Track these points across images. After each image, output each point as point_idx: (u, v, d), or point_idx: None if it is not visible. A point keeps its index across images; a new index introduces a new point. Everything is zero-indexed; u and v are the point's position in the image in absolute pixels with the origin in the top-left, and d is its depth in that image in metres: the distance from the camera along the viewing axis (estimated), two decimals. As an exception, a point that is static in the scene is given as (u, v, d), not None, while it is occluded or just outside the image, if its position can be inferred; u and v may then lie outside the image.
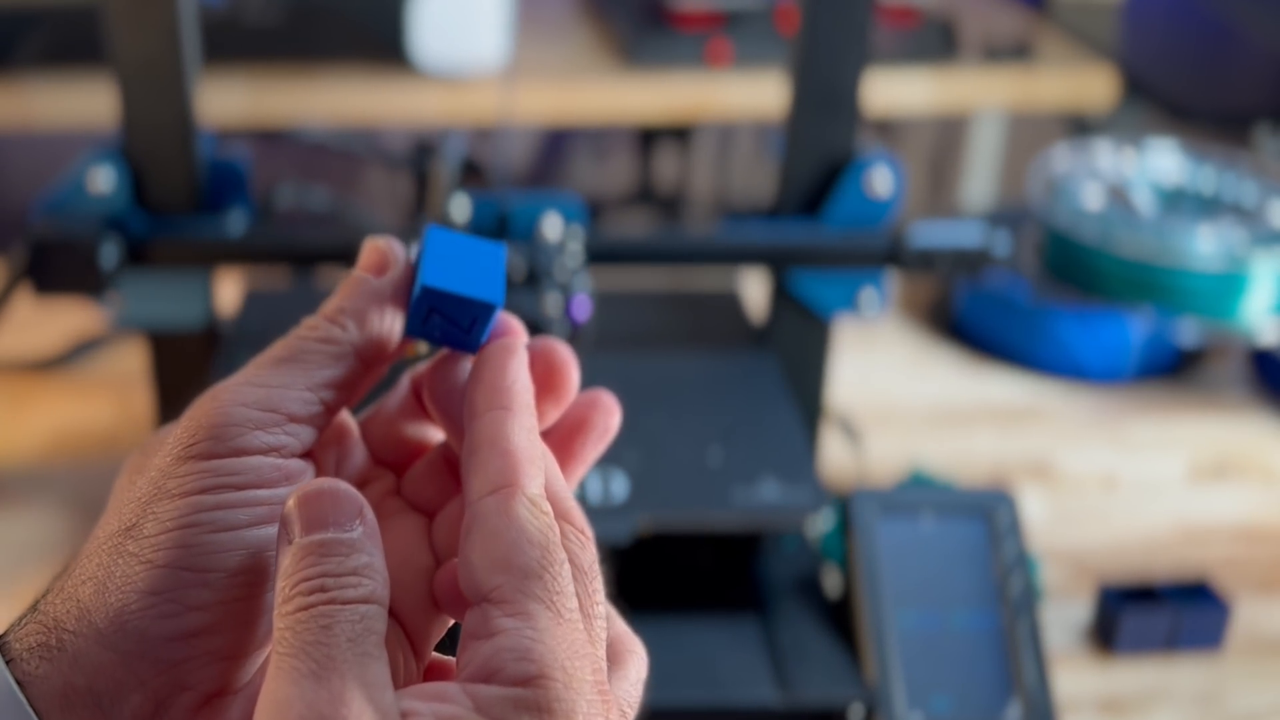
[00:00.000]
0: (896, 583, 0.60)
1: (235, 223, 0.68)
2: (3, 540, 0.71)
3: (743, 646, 0.60)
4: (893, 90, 1.51)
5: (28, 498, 0.75)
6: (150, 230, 0.66)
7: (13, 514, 0.73)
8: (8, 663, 0.31)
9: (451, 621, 0.36)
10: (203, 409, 0.32)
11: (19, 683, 0.31)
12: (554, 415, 0.37)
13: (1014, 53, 1.57)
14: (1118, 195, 1.00)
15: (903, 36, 1.51)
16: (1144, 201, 0.99)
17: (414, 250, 0.36)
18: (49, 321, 0.88)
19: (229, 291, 0.83)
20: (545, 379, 0.36)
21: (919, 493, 0.64)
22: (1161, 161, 1.03)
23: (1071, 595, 0.71)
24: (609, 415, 0.38)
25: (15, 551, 0.70)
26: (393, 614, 0.35)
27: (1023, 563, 0.61)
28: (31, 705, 0.30)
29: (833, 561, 0.65)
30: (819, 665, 0.59)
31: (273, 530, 0.32)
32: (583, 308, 0.62)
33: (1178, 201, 1.01)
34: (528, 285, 0.61)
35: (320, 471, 0.36)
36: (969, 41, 1.59)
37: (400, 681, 0.35)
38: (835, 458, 0.80)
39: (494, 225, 0.63)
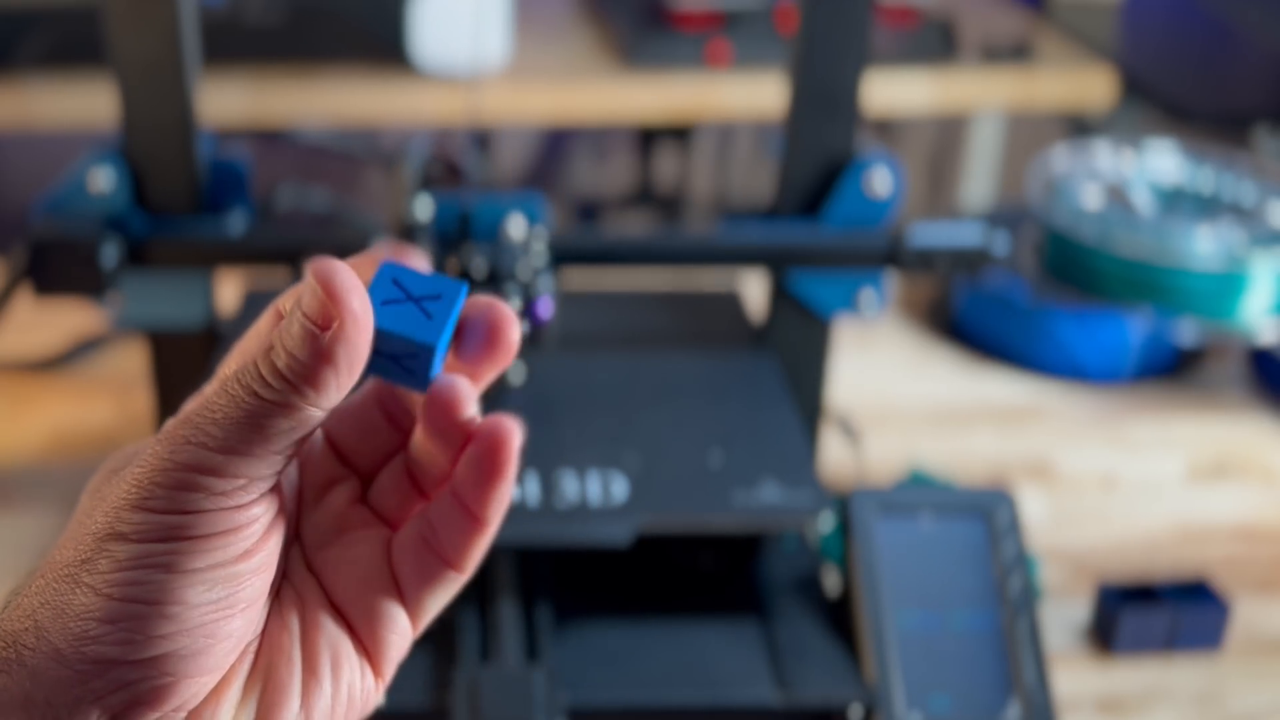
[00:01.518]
0: (896, 583, 0.60)
1: (235, 223, 0.68)
2: (3, 540, 0.71)
3: (742, 646, 0.60)
4: (892, 90, 1.51)
5: (28, 498, 0.75)
6: (150, 230, 0.66)
7: (13, 514, 0.73)
8: None
9: (412, 637, 0.37)
10: (157, 455, 0.32)
11: None
12: (492, 373, 0.36)
13: (1013, 53, 1.57)
14: (1117, 195, 1.00)
15: (902, 36, 1.51)
16: (1143, 202, 0.99)
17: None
18: (49, 321, 0.88)
19: (229, 291, 0.83)
20: (488, 336, 0.35)
21: (918, 493, 0.64)
22: (1161, 162, 1.03)
23: (1071, 595, 0.71)
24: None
25: (15, 551, 0.70)
26: (352, 629, 0.36)
27: (1022, 562, 0.61)
28: None
29: (832, 561, 0.65)
30: (818, 665, 0.59)
31: (236, 564, 0.32)
32: (546, 308, 0.62)
33: (1177, 202, 1.01)
34: (490, 285, 0.61)
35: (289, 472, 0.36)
36: (968, 42, 1.59)
37: (356, 694, 0.36)
38: (835, 458, 0.80)
39: (457, 226, 0.63)
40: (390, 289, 0.34)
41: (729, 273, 0.82)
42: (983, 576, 0.61)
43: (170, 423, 0.33)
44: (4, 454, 0.78)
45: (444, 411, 0.36)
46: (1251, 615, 0.70)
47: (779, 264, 0.69)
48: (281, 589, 0.36)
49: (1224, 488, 0.82)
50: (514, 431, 0.35)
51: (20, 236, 0.65)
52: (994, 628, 0.60)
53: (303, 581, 0.37)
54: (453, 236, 0.63)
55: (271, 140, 1.32)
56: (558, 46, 1.57)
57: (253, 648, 0.35)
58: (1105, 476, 0.82)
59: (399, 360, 0.34)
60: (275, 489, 0.34)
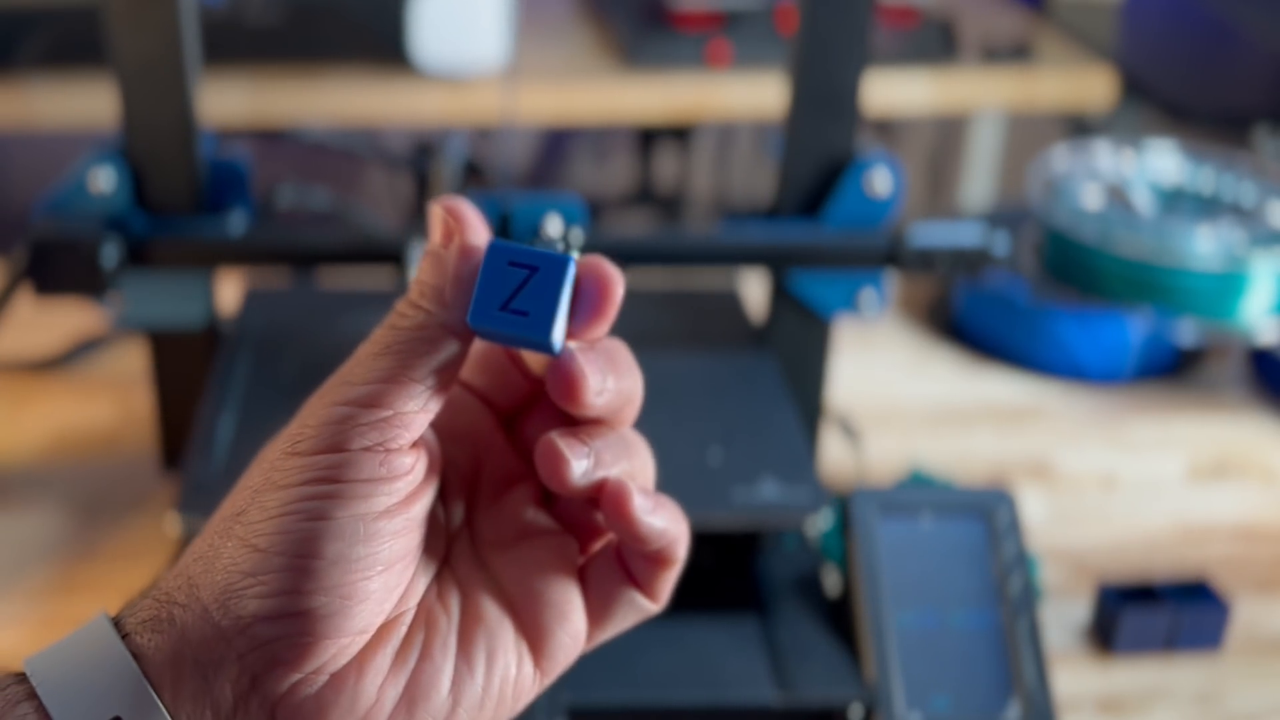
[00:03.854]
0: (896, 582, 0.60)
1: (236, 223, 0.68)
2: (3, 540, 0.71)
3: (741, 646, 0.60)
4: (892, 90, 1.51)
5: (28, 498, 0.75)
6: (151, 230, 0.66)
7: (13, 514, 0.73)
8: (123, 637, 0.33)
9: (585, 642, 0.37)
10: (309, 408, 0.34)
11: (134, 655, 0.32)
12: (601, 330, 0.36)
13: (1013, 53, 1.57)
14: (1117, 195, 1.00)
15: (903, 36, 1.51)
16: (1143, 202, 0.99)
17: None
18: (49, 321, 0.88)
19: (229, 291, 0.83)
20: (595, 297, 0.35)
21: (918, 492, 0.64)
22: (1161, 162, 1.03)
23: (1071, 595, 0.71)
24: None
25: (15, 551, 0.70)
26: (520, 621, 0.36)
27: (1022, 562, 0.61)
28: (146, 675, 0.32)
29: (832, 561, 0.65)
30: (818, 664, 0.59)
31: (380, 521, 0.33)
32: None
33: (1177, 202, 1.01)
34: None
35: (447, 464, 0.37)
36: (968, 42, 1.59)
37: (510, 687, 0.36)
38: (835, 457, 0.80)
39: (496, 226, 0.63)
40: (498, 275, 0.34)
41: (729, 273, 0.82)
42: (983, 576, 0.61)
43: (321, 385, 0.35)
44: (4, 454, 0.78)
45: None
46: (1251, 615, 0.70)
47: (779, 264, 0.69)
48: (443, 573, 0.36)
49: (1224, 488, 0.82)
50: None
51: (20, 236, 0.65)
52: (994, 628, 0.60)
53: (469, 574, 0.37)
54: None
55: (272, 140, 1.32)
56: (558, 46, 1.57)
57: (403, 621, 0.34)
58: (1105, 476, 0.82)
59: (518, 340, 0.34)
60: (426, 457, 0.34)
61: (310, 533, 0.32)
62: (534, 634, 0.36)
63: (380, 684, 0.33)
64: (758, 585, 0.64)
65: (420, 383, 0.33)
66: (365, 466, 0.33)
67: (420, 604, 0.35)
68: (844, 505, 0.63)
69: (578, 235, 0.62)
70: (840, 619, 0.62)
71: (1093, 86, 1.57)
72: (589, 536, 0.38)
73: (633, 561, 0.37)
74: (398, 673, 0.34)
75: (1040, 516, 0.78)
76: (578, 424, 0.37)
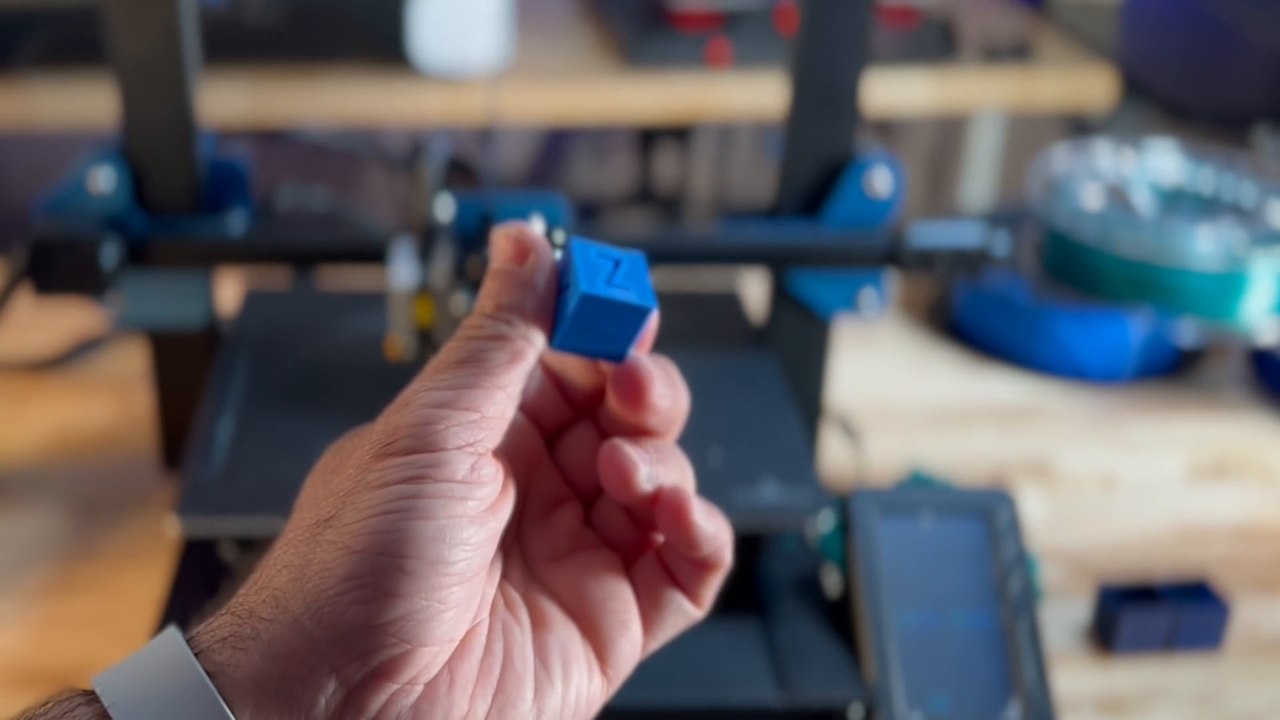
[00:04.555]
0: (896, 582, 0.60)
1: (235, 223, 0.68)
2: (3, 540, 0.71)
3: (742, 646, 0.60)
4: (892, 90, 1.51)
5: (28, 498, 0.75)
6: (150, 230, 0.66)
7: (13, 514, 0.73)
8: (197, 654, 0.32)
9: (643, 648, 0.38)
10: (397, 412, 0.34)
11: (209, 673, 0.31)
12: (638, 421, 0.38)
13: (1013, 53, 1.57)
14: (1117, 195, 1.00)
15: (903, 36, 1.51)
16: (1143, 202, 0.99)
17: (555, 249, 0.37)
18: (49, 321, 0.88)
19: (229, 291, 0.83)
20: (629, 396, 0.37)
21: (919, 492, 0.64)
22: (1161, 161, 1.03)
23: (1071, 595, 0.71)
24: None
25: (15, 551, 0.70)
26: (583, 631, 0.37)
27: (1022, 562, 0.61)
28: (222, 694, 0.31)
29: (832, 561, 0.65)
30: (818, 665, 0.59)
31: (470, 526, 0.33)
32: None
33: (1177, 202, 1.01)
34: None
35: (513, 489, 0.37)
36: (968, 42, 1.59)
37: (584, 697, 0.36)
38: (835, 458, 0.80)
39: (478, 226, 0.63)
40: (588, 261, 0.36)
41: (729, 273, 0.82)
42: (983, 576, 0.61)
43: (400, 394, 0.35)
44: (4, 454, 0.78)
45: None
46: (1251, 615, 0.70)
47: (779, 264, 0.69)
48: (505, 590, 0.37)
49: (1224, 488, 0.82)
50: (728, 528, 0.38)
51: (20, 236, 0.65)
52: (994, 628, 0.60)
53: (528, 589, 0.37)
54: (474, 237, 0.63)
55: (272, 140, 1.32)
56: (558, 46, 1.57)
57: (481, 630, 0.35)
58: (1105, 476, 0.82)
59: (609, 330, 0.36)
60: (504, 468, 0.35)
61: (409, 533, 0.32)
62: (599, 643, 0.37)
63: (471, 693, 0.33)
64: (758, 585, 0.64)
65: (503, 389, 0.34)
66: (459, 466, 0.33)
67: (494, 614, 0.36)
68: (844, 505, 0.63)
69: (561, 236, 0.61)
70: (840, 619, 0.62)
71: (1093, 86, 1.57)
72: (630, 551, 0.39)
73: (679, 567, 0.38)
74: (485, 682, 0.34)
75: (1040, 516, 0.78)
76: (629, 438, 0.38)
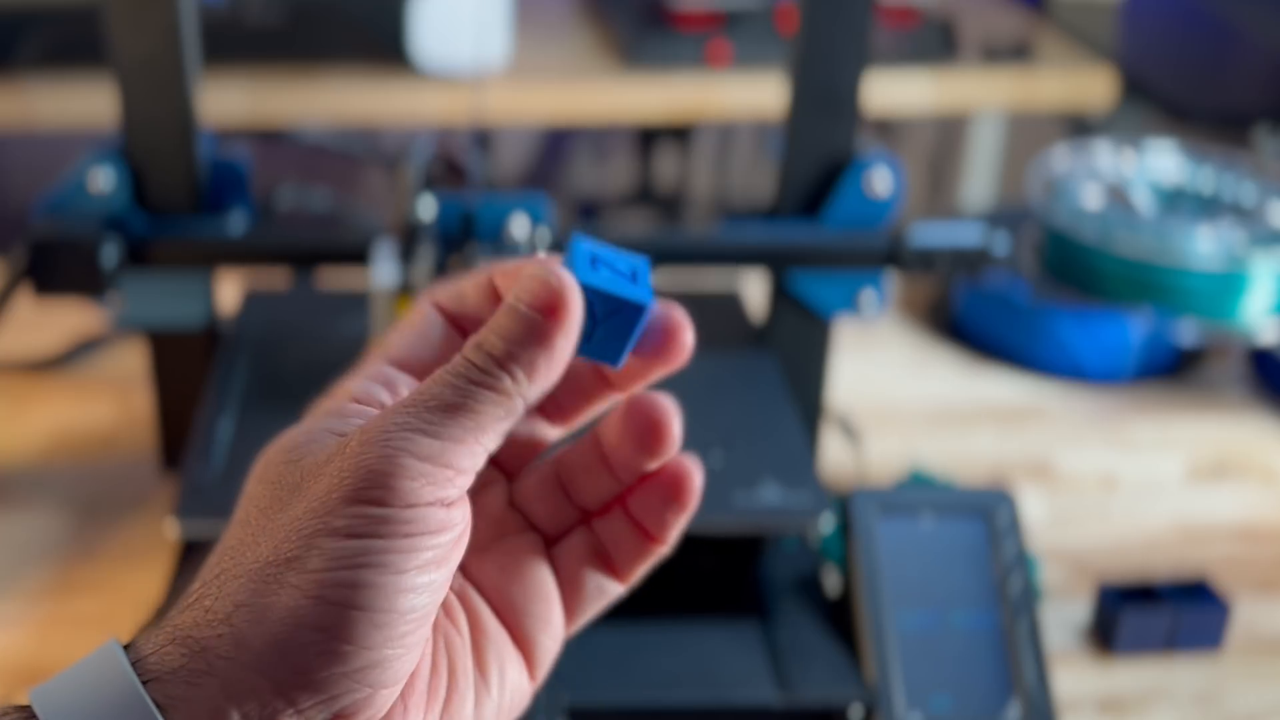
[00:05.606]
0: (896, 582, 0.60)
1: (235, 223, 0.68)
2: (3, 540, 0.71)
3: (742, 646, 0.60)
4: (893, 90, 1.51)
5: (28, 498, 0.75)
6: (150, 230, 0.66)
7: (13, 514, 0.73)
8: (146, 683, 0.31)
9: (563, 640, 0.38)
10: (374, 453, 0.32)
11: (160, 706, 0.31)
12: (660, 374, 0.37)
13: (1014, 53, 1.57)
14: (1117, 195, 1.00)
15: (903, 36, 1.51)
16: (1143, 202, 0.99)
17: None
18: (49, 321, 0.88)
19: (229, 291, 0.83)
20: (664, 338, 0.36)
21: (919, 492, 0.64)
22: (1161, 161, 1.03)
23: (1071, 595, 0.71)
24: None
25: (15, 551, 0.70)
26: (510, 630, 0.37)
27: (1022, 562, 0.61)
28: None
29: (832, 561, 0.65)
30: (818, 665, 0.59)
31: (434, 570, 0.32)
32: None
33: (1177, 202, 1.01)
34: None
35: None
36: (969, 42, 1.59)
37: (515, 697, 0.36)
38: (835, 458, 0.80)
39: (460, 226, 0.63)
40: (589, 257, 0.35)
41: (729, 273, 0.82)
42: (983, 576, 0.61)
43: (373, 418, 0.33)
44: (4, 454, 0.78)
45: (646, 419, 0.37)
46: (1251, 615, 0.70)
47: (779, 264, 0.69)
48: (446, 598, 0.36)
49: (1224, 488, 0.82)
50: (697, 469, 0.37)
51: (20, 236, 0.65)
52: (994, 628, 0.60)
53: (461, 586, 0.37)
54: (456, 237, 0.63)
55: (271, 140, 1.32)
56: (558, 46, 1.57)
57: (429, 653, 0.35)
58: (1105, 476, 0.82)
59: (598, 328, 0.35)
60: (469, 505, 0.34)
61: (378, 587, 0.31)
62: (525, 644, 0.37)
63: (423, 716, 0.34)
64: (758, 586, 0.64)
65: (488, 446, 0.33)
66: (430, 519, 0.32)
67: (436, 629, 0.35)
68: (844, 506, 0.63)
69: (544, 235, 0.61)
70: (841, 619, 0.62)
71: (1093, 86, 1.57)
72: (553, 534, 0.39)
73: (620, 544, 0.38)
74: (433, 704, 0.34)
75: (1040, 516, 0.78)
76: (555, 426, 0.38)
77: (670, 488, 0.37)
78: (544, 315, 0.33)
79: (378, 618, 0.31)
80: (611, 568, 0.38)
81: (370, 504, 0.31)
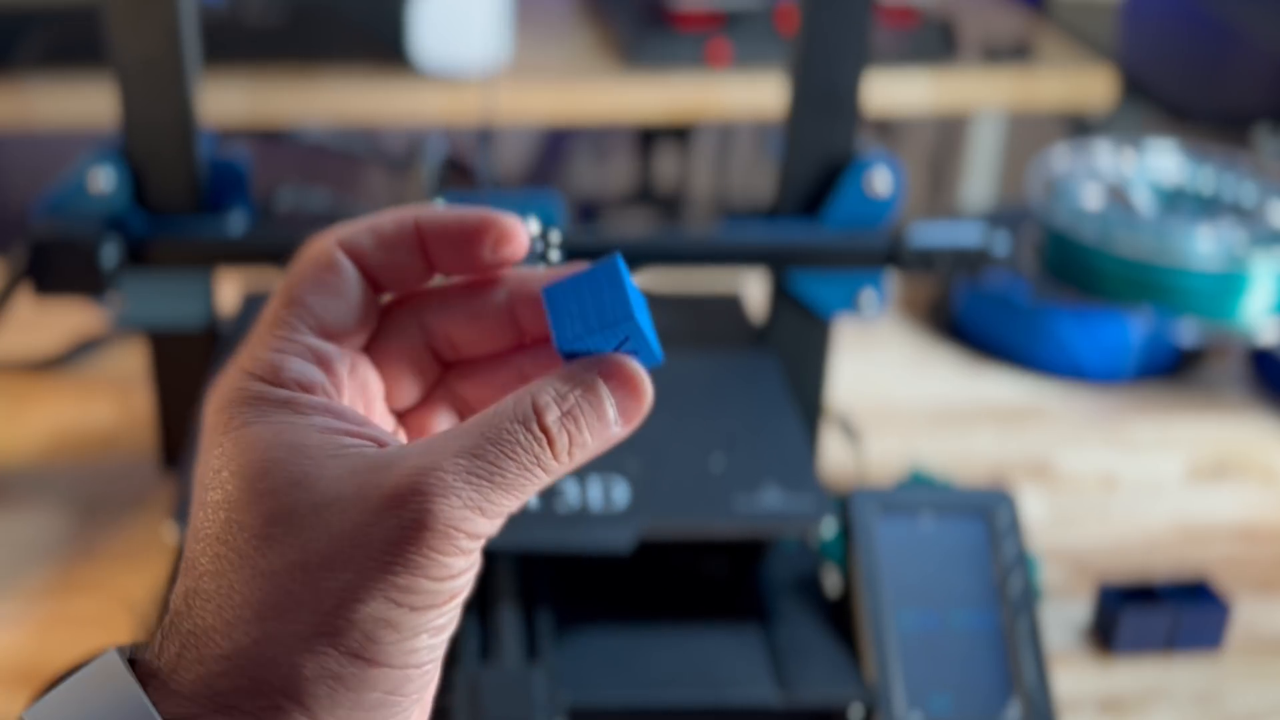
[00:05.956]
0: (896, 583, 0.60)
1: (236, 223, 0.68)
2: (3, 540, 0.71)
3: (742, 646, 0.60)
4: (892, 90, 1.51)
5: (28, 498, 0.75)
6: (150, 230, 0.66)
7: (13, 514, 0.73)
8: (157, 704, 0.30)
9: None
10: (416, 526, 0.30)
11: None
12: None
13: (1014, 53, 1.57)
14: (1117, 195, 1.00)
15: (902, 36, 1.51)
16: (1143, 202, 0.99)
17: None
18: (49, 321, 0.88)
19: (229, 291, 0.83)
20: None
21: (919, 492, 0.64)
22: (1161, 161, 1.03)
23: (1071, 595, 0.71)
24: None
25: (15, 551, 0.70)
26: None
27: (1022, 562, 0.61)
28: None
29: (832, 562, 0.65)
30: (819, 665, 0.59)
31: (449, 612, 0.32)
32: None
33: (1177, 202, 1.01)
34: None
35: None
36: (968, 42, 1.59)
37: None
38: (835, 458, 0.80)
39: None
40: (565, 305, 0.33)
41: (729, 273, 0.81)
42: (983, 576, 0.61)
43: (418, 468, 0.31)
44: (4, 454, 0.78)
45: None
46: (1251, 615, 0.70)
47: (779, 264, 0.69)
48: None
49: (1224, 488, 0.82)
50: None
51: (20, 236, 0.65)
52: (994, 628, 0.60)
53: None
54: None
55: (271, 140, 1.32)
56: (558, 46, 1.57)
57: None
58: (1105, 476, 0.82)
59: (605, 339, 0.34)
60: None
61: (403, 649, 0.31)
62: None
63: None
64: (758, 586, 0.64)
65: (502, 519, 0.32)
66: (455, 564, 0.31)
67: None
68: (844, 506, 0.63)
69: (556, 235, 0.61)
70: (841, 619, 0.62)
71: (1093, 86, 1.57)
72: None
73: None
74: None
75: (1040, 516, 0.78)
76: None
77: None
78: (624, 424, 0.33)
79: (410, 673, 0.31)
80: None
81: (427, 578, 0.30)
